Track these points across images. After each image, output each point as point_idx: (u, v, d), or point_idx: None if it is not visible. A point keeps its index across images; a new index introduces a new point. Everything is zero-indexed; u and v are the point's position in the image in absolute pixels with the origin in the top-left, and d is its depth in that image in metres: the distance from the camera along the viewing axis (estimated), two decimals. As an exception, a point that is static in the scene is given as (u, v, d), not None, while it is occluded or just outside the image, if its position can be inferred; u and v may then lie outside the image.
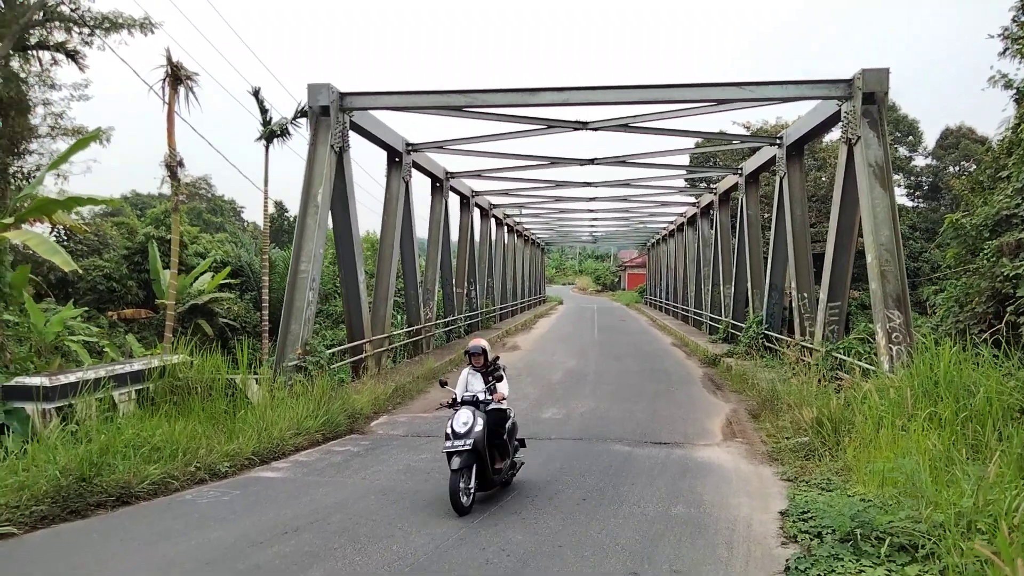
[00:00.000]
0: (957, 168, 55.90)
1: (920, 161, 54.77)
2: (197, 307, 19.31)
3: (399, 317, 20.83)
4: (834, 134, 41.32)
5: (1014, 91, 13.55)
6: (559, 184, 23.70)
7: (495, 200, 28.64)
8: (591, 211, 32.24)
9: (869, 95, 11.14)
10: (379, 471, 7.55)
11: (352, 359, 13.46)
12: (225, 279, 21.76)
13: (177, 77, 14.19)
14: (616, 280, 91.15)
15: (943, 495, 5.07)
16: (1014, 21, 13.30)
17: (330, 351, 12.33)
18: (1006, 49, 14.99)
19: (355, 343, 13.54)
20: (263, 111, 18.16)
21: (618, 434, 9.73)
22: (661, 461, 8.19)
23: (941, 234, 11.54)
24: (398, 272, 19.65)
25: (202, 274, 20.77)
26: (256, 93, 18.00)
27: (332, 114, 12.24)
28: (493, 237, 30.97)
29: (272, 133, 18.07)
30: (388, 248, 15.81)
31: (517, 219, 36.21)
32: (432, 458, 8.17)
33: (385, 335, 15.10)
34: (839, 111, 11.91)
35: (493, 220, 30.91)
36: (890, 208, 10.80)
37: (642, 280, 66.58)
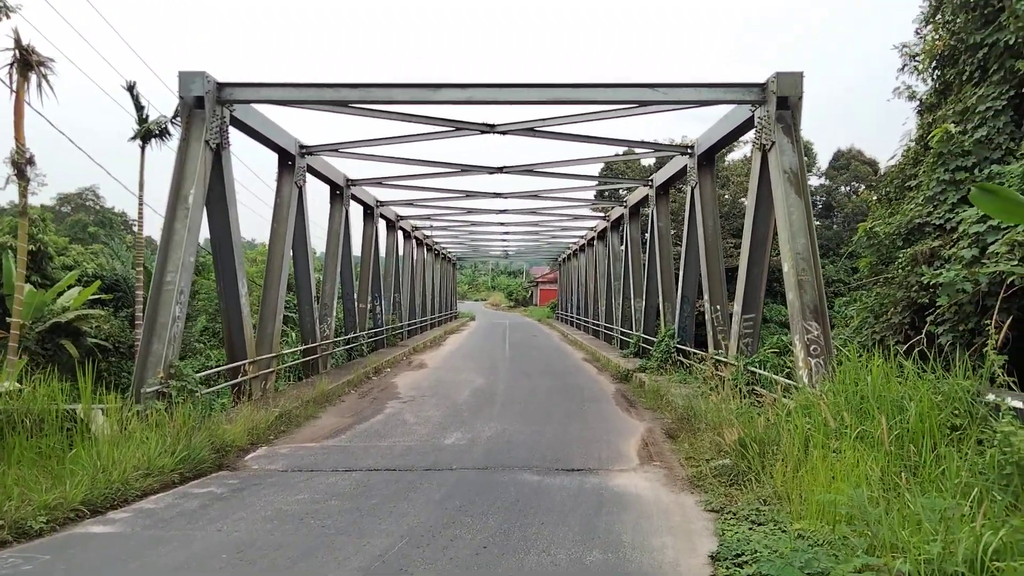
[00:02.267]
0: (848, 188, 58.97)
1: (814, 181, 57.42)
2: (60, 325, 17.20)
3: (293, 335, 19.29)
4: (736, 153, 42.77)
5: (917, 103, 13.66)
6: (469, 195, 22.81)
7: (403, 211, 27.44)
8: (502, 224, 31.51)
9: (783, 99, 10.78)
10: (241, 519, 6.29)
11: (232, 382, 11.98)
12: (97, 295, 19.62)
13: (27, 62, 12.39)
14: (528, 296, 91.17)
15: (899, 534, 4.36)
16: (917, 33, 13.40)
17: (204, 373, 10.87)
18: (904, 65, 15.22)
19: (236, 363, 12.07)
20: (139, 108, 16.42)
21: (527, 461, 8.78)
22: (574, 493, 7.29)
23: (854, 243, 11.33)
24: (290, 286, 18.17)
25: (68, 289, 18.62)
26: (131, 88, 16.24)
27: (207, 106, 10.86)
28: (400, 250, 29.71)
29: (148, 132, 16.32)
30: (277, 259, 14.39)
31: (427, 232, 35.07)
32: (311, 499, 6.97)
33: (273, 355, 13.67)
34: (752, 117, 11.52)
35: (400, 232, 29.66)
36: (806, 216, 10.42)
37: (554, 295, 66.56)
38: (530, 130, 13.29)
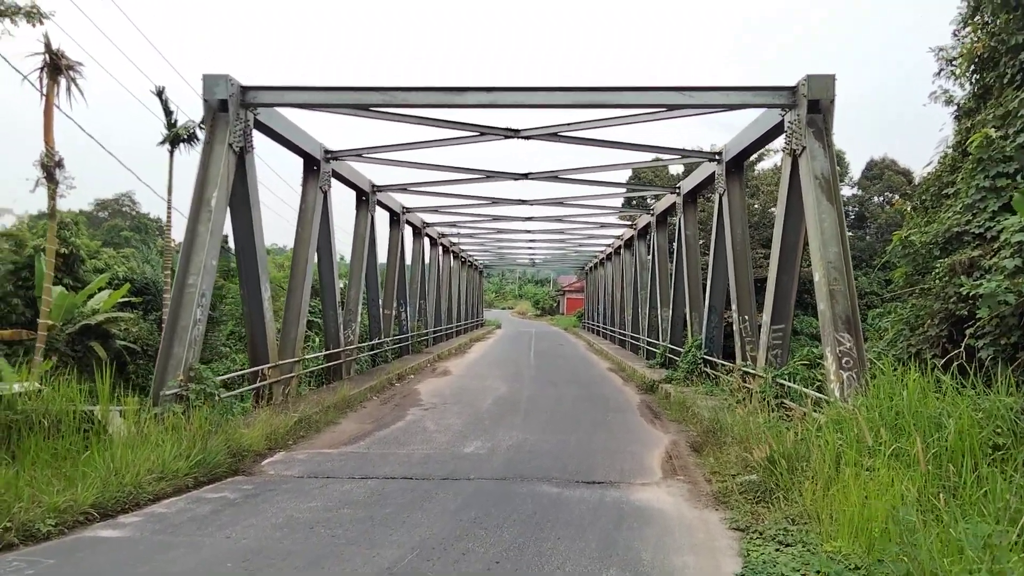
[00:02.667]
0: (881, 198, 57.83)
1: (847, 191, 56.44)
2: (90, 328, 17.39)
3: (317, 340, 19.29)
4: (766, 162, 42.14)
5: (954, 107, 13.23)
6: (495, 201, 22.69)
7: (429, 218, 27.43)
8: (528, 231, 31.34)
9: (814, 103, 10.47)
10: (251, 526, 6.17)
11: (253, 386, 11.94)
12: (127, 298, 19.84)
13: (57, 67, 12.57)
14: (555, 304, 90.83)
15: (940, 562, 4.07)
16: (954, 35, 12.98)
17: (225, 376, 10.84)
18: (941, 70, 14.78)
19: (257, 367, 12.04)
20: (167, 112, 16.60)
21: (547, 472, 8.57)
22: (593, 506, 7.06)
23: (888, 253, 10.94)
24: (315, 291, 18.19)
25: (98, 291, 18.85)
26: (160, 93, 16.42)
27: (231, 109, 10.86)
28: (427, 257, 29.69)
29: (177, 137, 16.47)
30: (302, 264, 14.38)
31: (454, 239, 35.05)
32: (324, 506, 6.84)
33: (295, 359, 13.63)
34: (782, 121, 11.22)
35: (427, 239, 29.65)
36: (838, 223, 10.08)
37: (580, 305, 66.15)
38: (554, 135, 13.11)
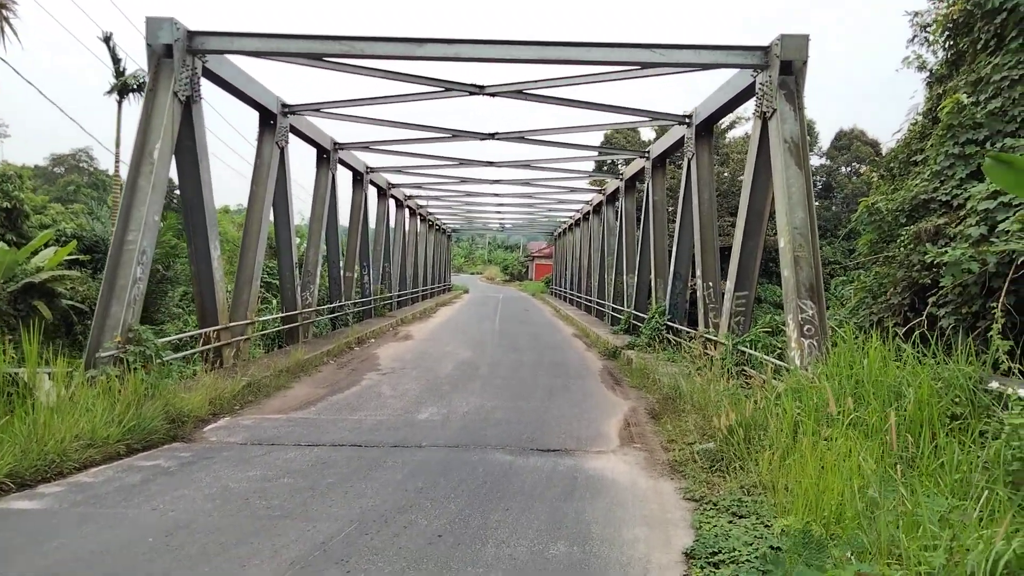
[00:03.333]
0: (849, 168, 58.28)
1: (815, 161, 56.72)
2: (33, 286, 16.64)
3: (275, 302, 18.77)
4: (737, 130, 41.96)
5: (927, 74, 13.03)
6: (462, 162, 22.13)
7: (394, 179, 26.79)
8: (496, 195, 30.85)
9: (787, 64, 10.15)
10: (182, 497, 5.82)
11: (199, 348, 11.48)
12: (75, 255, 19.04)
13: (-13, 5, 11.69)
14: (524, 270, 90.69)
15: (897, 537, 3.89)
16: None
17: (168, 338, 10.37)
18: (915, 36, 14.54)
19: (206, 329, 11.56)
20: (115, 60, 15.69)
21: (502, 439, 8.32)
22: (546, 475, 6.83)
23: (855, 220, 10.79)
24: (274, 252, 17.64)
25: (44, 248, 18.04)
26: (107, 40, 15.50)
27: (176, 55, 10.20)
28: (392, 219, 29.09)
29: (126, 86, 15.61)
30: (256, 223, 13.81)
31: (421, 202, 34.41)
32: (263, 476, 6.50)
33: (248, 321, 13.15)
34: (753, 83, 10.90)
35: (392, 201, 29.03)
36: (805, 188, 9.86)
37: (549, 270, 66.01)
38: (520, 92, 12.63)
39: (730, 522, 5.27)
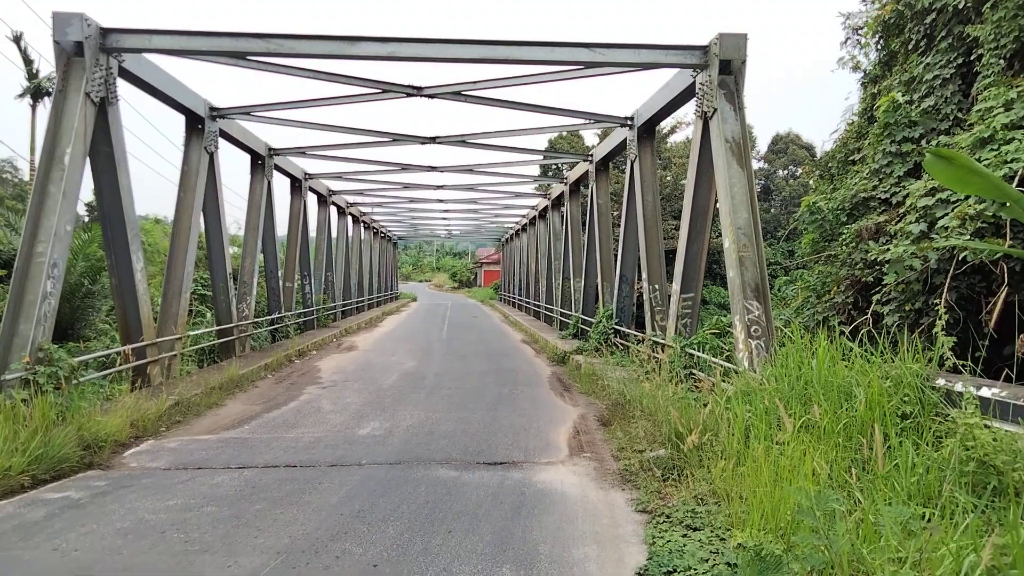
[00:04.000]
0: (786, 172, 59.82)
1: (753, 164, 58.04)
2: (-58, 304, 15.49)
3: (209, 315, 17.97)
4: (678, 135, 42.50)
5: (861, 74, 13.22)
6: (404, 168, 21.64)
7: (335, 186, 26.11)
8: (440, 201, 30.40)
9: (726, 63, 10.09)
10: (90, 533, 5.27)
11: (122, 367, 10.76)
12: (-11, 271, 17.88)
13: None
14: (472, 277, 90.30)
15: (858, 548, 3.67)
16: (862, 0, 12.89)
17: (85, 357, 9.66)
18: (847, 38, 14.79)
19: (130, 346, 10.85)
20: (27, 62, 14.75)
21: (447, 453, 7.94)
22: (493, 491, 6.48)
23: (796, 219, 10.80)
24: (202, 262, 16.86)
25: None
26: (17, 40, 14.57)
27: (87, 54, 9.53)
28: (334, 227, 28.37)
29: (39, 89, 14.67)
30: (184, 232, 13.11)
31: (364, 210, 33.72)
32: (184, 505, 5.98)
33: (176, 336, 12.44)
34: (693, 84, 10.82)
35: (334, 208, 28.34)
36: (748, 188, 9.79)
37: (498, 276, 65.79)
38: (458, 93, 12.30)
39: (684, 536, 5.03)
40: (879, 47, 12.31)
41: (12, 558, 4.79)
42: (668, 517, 5.50)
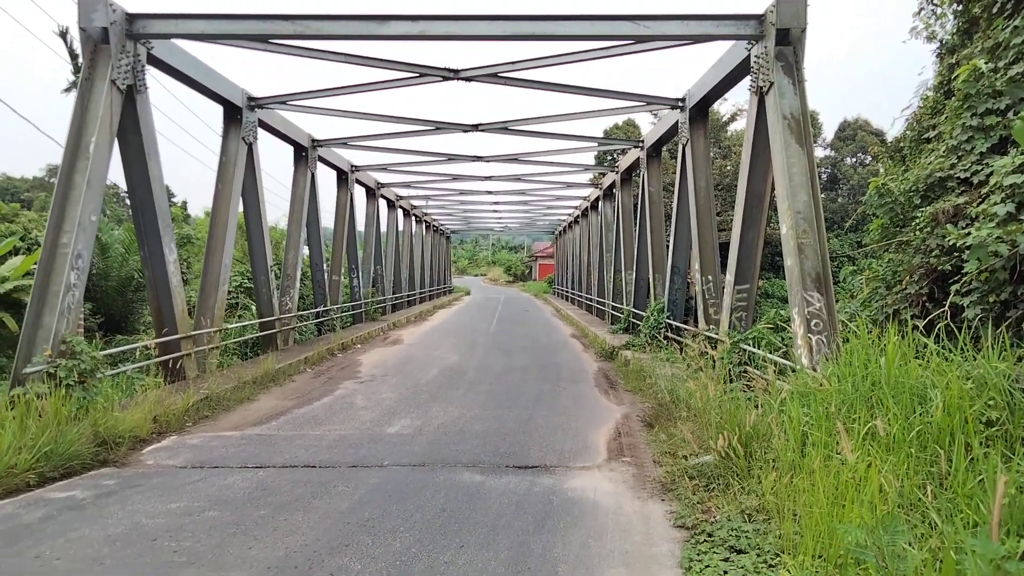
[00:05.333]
0: (854, 159, 57.19)
1: (819, 152, 55.64)
2: (-2, 297, 15.86)
3: (253, 307, 17.92)
4: (739, 123, 40.95)
5: (937, 45, 12.08)
6: (450, 158, 21.22)
7: (382, 178, 25.92)
8: (490, 193, 29.94)
9: (784, 33, 9.22)
10: (80, 539, 4.93)
11: (155, 359, 10.61)
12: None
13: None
14: (527, 271, 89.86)
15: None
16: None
17: (114, 350, 9.51)
18: (921, 9, 13.60)
19: (159, 340, 10.69)
20: (73, 56, 14.86)
21: (475, 455, 7.42)
22: (518, 499, 5.92)
23: (865, 202, 9.85)
24: (244, 254, 16.77)
25: (7, 257, 17.23)
26: (63, 34, 14.69)
27: (113, 40, 9.34)
28: (383, 220, 28.24)
29: (86, 85, 14.72)
30: (222, 224, 12.94)
31: (414, 203, 33.54)
32: (185, 508, 5.61)
33: (213, 329, 12.28)
34: (748, 58, 10.00)
35: (383, 201, 28.21)
36: (808, 169, 8.93)
37: (552, 270, 65.10)
38: (495, 75, 11.73)
39: (726, 560, 4.36)
40: (957, 14, 11.18)
41: (-10, 566, 4.47)
42: (710, 536, 4.84)
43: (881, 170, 17.16)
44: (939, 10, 12.98)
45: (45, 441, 6.41)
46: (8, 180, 67.96)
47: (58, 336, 8.25)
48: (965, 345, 5.93)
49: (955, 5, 11.28)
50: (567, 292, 40.57)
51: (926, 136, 10.56)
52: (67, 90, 15.13)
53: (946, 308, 7.36)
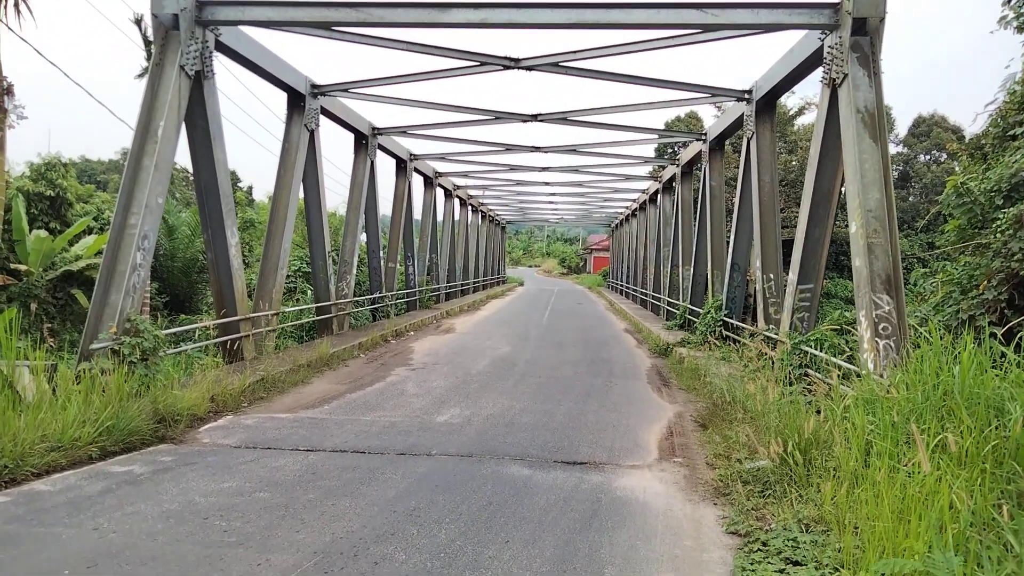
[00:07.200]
0: (928, 157, 54.82)
1: (891, 148, 53.51)
2: (72, 274, 16.55)
3: (309, 292, 18.25)
4: (807, 116, 39.66)
5: (1028, 36, 11.36)
6: (508, 148, 21.17)
7: (440, 167, 26.04)
8: (547, 184, 29.79)
9: (860, 23, 8.80)
10: (135, 513, 5.06)
11: (215, 340, 10.89)
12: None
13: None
14: (582, 263, 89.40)
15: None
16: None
17: (175, 330, 9.78)
18: (1010, -2, 12.80)
19: (219, 321, 10.95)
20: (147, 43, 15.30)
21: (523, 448, 7.35)
22: (565, 496, 5.82)
23: (941, 201, 9.36)
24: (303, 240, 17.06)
25: (82, 236, 17.96)
26: (138, 22, 15.16)
27: (183, 27, 9.55)
28: (439, 209, 28.39)
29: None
30: (283, 209, 13.18)
31: (471, 192, 33.64)
32: (238, 488, 5.70)
33: (272, 312, 12.53)
34: (820, 48, 9.59)
35: (440, 190, 28.33)
36: (882, 165, 8.52)
37: (607, 263, 64.54)
38: (556, 64, 11.57)
39: (781, 571, 4.18)
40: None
41: (51, 535, 4.61)
42: (765, 545, 4.65)
43: (958, 168, 16.36)
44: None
45: (108, 416, 6.61)
46: (86, 162, 71.03)
47: (123, 314, 8.52)
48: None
49: (1048, -7, 10.59)
50: (622, 286, 40.15)
51: (1011, 133, 9.97)
52: (140, 76, 15.61)
53: (1028, 316, 6.93)
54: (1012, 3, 12.69)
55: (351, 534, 4.78)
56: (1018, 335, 6.18)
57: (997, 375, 5.67)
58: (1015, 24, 10.81)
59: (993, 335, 6.17)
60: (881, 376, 7.16)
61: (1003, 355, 5.79)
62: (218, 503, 5.32)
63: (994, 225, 8.39)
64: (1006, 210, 8.28)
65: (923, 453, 4.17)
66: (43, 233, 16.90)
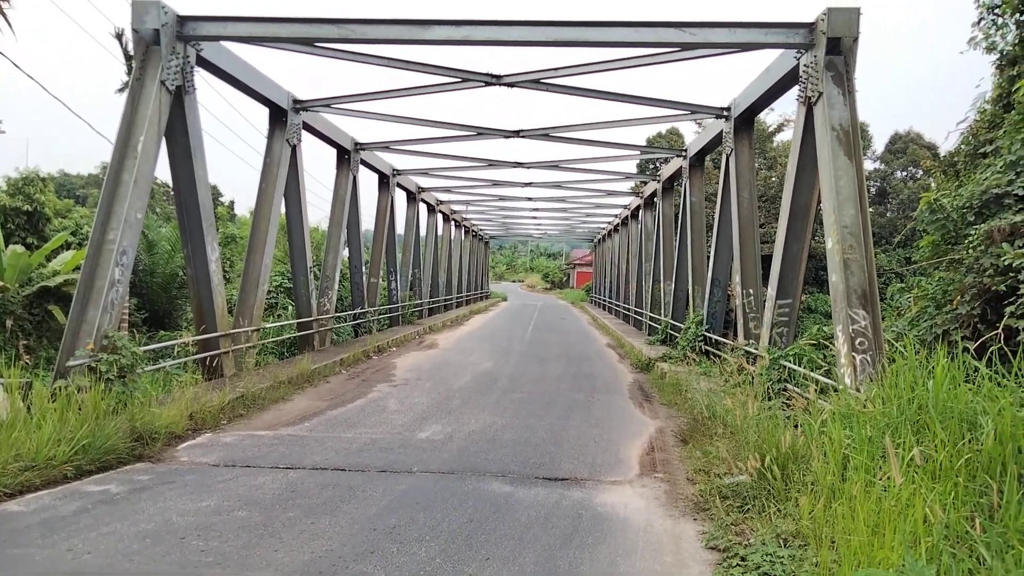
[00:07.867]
0: (904, 173, 55.70)
1: (868, 165, 54.31)
2: (49, 290, 16.35)
3: (291, 308, 18.14)
4: (786, 133, 40.19)
5: (996, 57, 11.66)
6: (491, 164, 21.26)
7: (424, 182, 26.08)
8: (530, 199, 29.90)
9: (834, 42, 8.98)
10: (111, 533, 4.99)
11: (195, 356, 10.78)
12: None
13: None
14: (565, 278, 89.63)
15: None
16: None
17: (153, 346, 9.68)
18: (980, 19, 13.16)
19: (198, 337, 10.86)
20: (128, 58, 15.21)
21: (505, 464, 7.35)
22: (546, 512, 5.82)
23: (916, 217, 9.53)
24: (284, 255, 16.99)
25: (60, 251, 17.75)
26: (119, 36, 15.06)
27: (164, 42, 9.54)
28: (422, 224, 28.41)
29: (138, 86, 15.10)
30: (264, 223, 13.13)
31: (454, 207, 33.69)
32: (216, 507, 5.64)
33: (252, 328, 12.45)
34: (796, 67, 9.76)
35: (423, 205, 28.36)
36: (856, 182, 8.67)
37: (590, 278, 64.78)
38: (537, 82, 11.68)
39: (760, 588, 4.20)
40: (1020, 24, 10.78)
41: (24, 556, 4.54)
42: (743, 560, 4.68)
43: (933, 185, 16.67)
44: (1000, 20, 12.54)
45: (84, 434, 6.53)
46: (65, 176, 70.36)
47: (101, 331, 8.43)
48: (1020, 370, 5.65)
49: (1018, 15, 10.88)
50: (604, 301, 40.30)
51: (982, 151, 10.18)
52: (120, 90, 15.52)
53: (999, 331, 7.04)
54: (982, 24, 13.02)
55: (331, 553, 4.75)
56: (990, 349, 6.30)
57: (970, 389, 5.76)
58: (984, 45, 11.08)
59: (966, 349, 6.27)
60: (858, 390, 7.24)
61: (976, 369, 5.88)
62: (196, 522, 5.26)
63: (966, 241, 8.54)
64: (978, 226, 8.44)
65: (895, 467, 4.23)
66: (20, 248, 16.70)
